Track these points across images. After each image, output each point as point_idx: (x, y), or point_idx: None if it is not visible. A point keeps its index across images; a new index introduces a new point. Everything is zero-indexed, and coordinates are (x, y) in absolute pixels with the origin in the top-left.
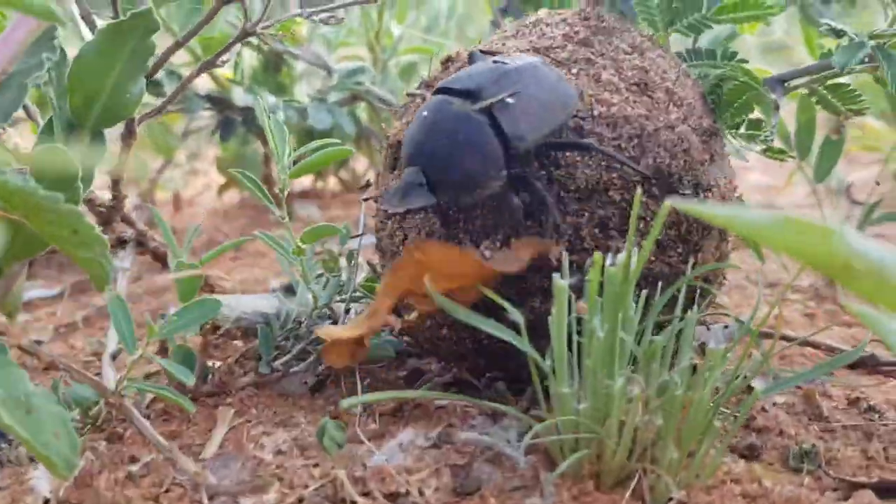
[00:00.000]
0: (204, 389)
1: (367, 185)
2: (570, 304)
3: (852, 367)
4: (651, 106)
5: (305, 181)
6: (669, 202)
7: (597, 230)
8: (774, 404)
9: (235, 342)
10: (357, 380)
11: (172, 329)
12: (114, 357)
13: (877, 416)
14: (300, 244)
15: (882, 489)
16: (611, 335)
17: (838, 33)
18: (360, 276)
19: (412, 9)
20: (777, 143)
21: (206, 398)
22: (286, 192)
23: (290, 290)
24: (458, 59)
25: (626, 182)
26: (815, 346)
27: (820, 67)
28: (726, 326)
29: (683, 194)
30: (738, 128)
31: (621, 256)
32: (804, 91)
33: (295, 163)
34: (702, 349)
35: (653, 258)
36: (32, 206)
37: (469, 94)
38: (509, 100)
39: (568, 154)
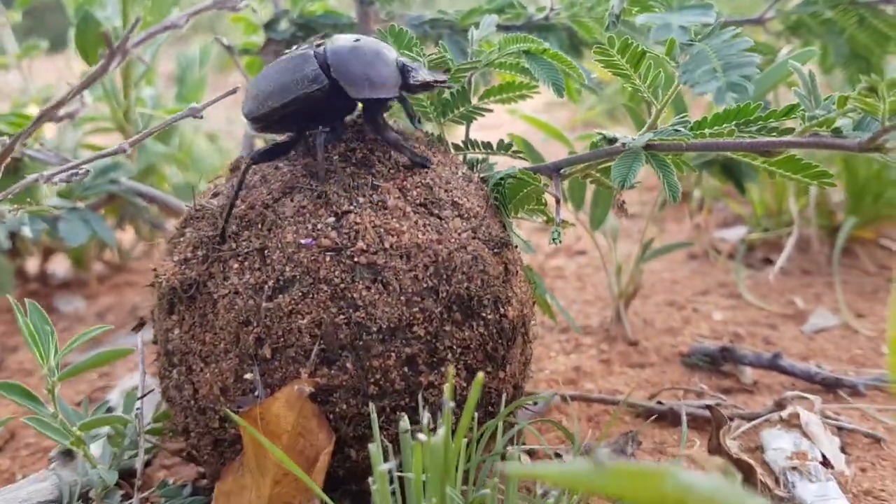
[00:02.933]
0: None
1: (142, 323)
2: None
3: (657, 419)
4: (441, 227)
5: (64, 269)
6: (481, 381)
7: (406, 368)
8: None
9: None
10: None
11: None
12: None
13: None
14: (78, 433)
15: None
16: None
17: (610, 141)
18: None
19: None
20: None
21: None
22: (56, 391)
23: (69, 454)
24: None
25: (428, 314)
26: (616, 403)
27: (594, 156)
28: (535, 402)
29: (484, 317)
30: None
31: (441, 433)
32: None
33: None
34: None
35: (464, 383)
36: None
37: None
38: None
39: (365, 293)
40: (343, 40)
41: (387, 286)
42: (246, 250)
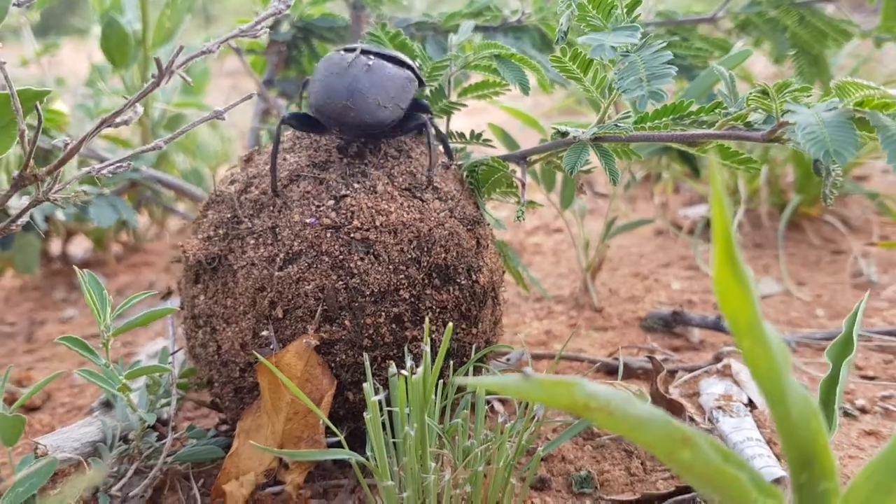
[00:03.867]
0: None
1: (170, 293)
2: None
3: (612, 372)
4: (422, 208)
5: (82, 249)
6: (451, 328)
7: (394, 325)
8: (554, 430)
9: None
10: (193, 485)
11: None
12: None
13: None
14: (125, 382)
15: (644, 502)
16: (420, 431)
17: (563, 134)
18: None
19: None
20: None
21: None
22: (109, 344)
23: (107, 405)
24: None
25: (412, 280)
26: (580, 360)
27: (554, 146)
28: (508, 359)
29: (459, 283)
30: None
31: (420, 371)
32: (543, 162)
33: None
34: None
35: (442, 337)
36: None
37: None
38: None
39: (359, 263)
40: (383, 47)
41: (377, 257)
42: (260, 229)
